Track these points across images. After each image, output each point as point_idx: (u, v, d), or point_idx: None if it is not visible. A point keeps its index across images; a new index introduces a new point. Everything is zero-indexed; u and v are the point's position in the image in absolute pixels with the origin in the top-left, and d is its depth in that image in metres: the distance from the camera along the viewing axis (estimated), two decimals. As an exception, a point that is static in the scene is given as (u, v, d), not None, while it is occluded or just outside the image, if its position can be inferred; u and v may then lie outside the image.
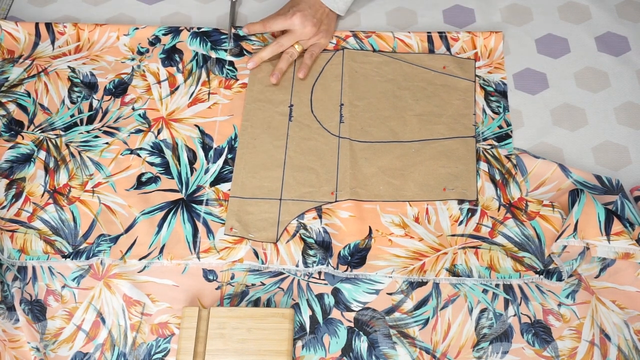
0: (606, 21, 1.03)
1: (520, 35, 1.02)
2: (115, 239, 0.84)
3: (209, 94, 0.96)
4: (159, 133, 0.93)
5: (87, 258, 0.83)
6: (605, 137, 0.92)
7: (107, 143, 0.92)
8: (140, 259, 0.83)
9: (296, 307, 0.80)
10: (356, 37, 1.01)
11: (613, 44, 1.01)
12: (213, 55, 0.99)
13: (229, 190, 0.88)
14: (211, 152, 0.91)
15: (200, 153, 0.91)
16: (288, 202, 0.86)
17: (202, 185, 0.88)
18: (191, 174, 0.89)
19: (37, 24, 1.02)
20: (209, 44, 1.00)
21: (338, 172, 0.89)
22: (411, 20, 1.05)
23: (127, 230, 0.85)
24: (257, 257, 0.83)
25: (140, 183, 0.88)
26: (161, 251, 0.83)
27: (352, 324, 0.79)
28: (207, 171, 0.89)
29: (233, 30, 1.01)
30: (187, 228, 0.85)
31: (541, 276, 0.81)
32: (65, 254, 0.83)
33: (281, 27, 0.97)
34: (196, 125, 0.93)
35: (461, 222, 0.85)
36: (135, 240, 0.84)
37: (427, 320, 0.79)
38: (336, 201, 0.86)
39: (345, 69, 0.98)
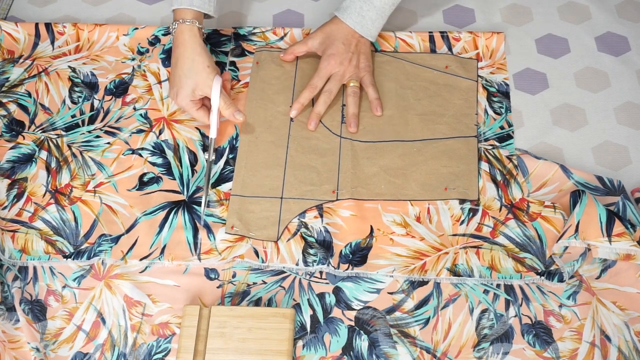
0: (606, 21, 1.03)
1: (520, 35, 1.02)
2: (116, 239, 0.84)
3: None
4: (160, 133, 0.92)
5: (89, 258, 0.82)
6: (605, 137, 0.92)
7: (108, 143, 0.92)
8: (141, 259, 0.82)
9: (297, 307, 0.79)
10: (357, 37, 1.01)
11: (613, 44, 1.01)
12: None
13: (230, 189, 0.88)
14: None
15: (200, 155, 0.91)
16: (289, 201, 0.86)
17: (203, 187, 0.88)
18: (192, 176, 0.89)
19: (36, 24, 1.01)
20: (208, 46, 1.00)
21: (339, 171, 0.88)
22: (411, 20, 1.05)
23: (128, 231, 0.84)
24: (258, 255, 0.83)
25: (142, 183, 0.88)
26: (162, 252, 0.83)
27: (352, 323, 0.79)
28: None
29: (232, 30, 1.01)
30: (188, 229, 0.85)
31: (542, 277, 0.81)
32: (67, 254, 0.83)
33: (323, 79, 0.93)
34: (197, 128, 0.93)
35: (462, 222, 0.85)
36: (136, 241, 0.84)
37: (427, 320, 0.79)
38: (337, 200, 0.86)
39: (347, 68, 0.97)
